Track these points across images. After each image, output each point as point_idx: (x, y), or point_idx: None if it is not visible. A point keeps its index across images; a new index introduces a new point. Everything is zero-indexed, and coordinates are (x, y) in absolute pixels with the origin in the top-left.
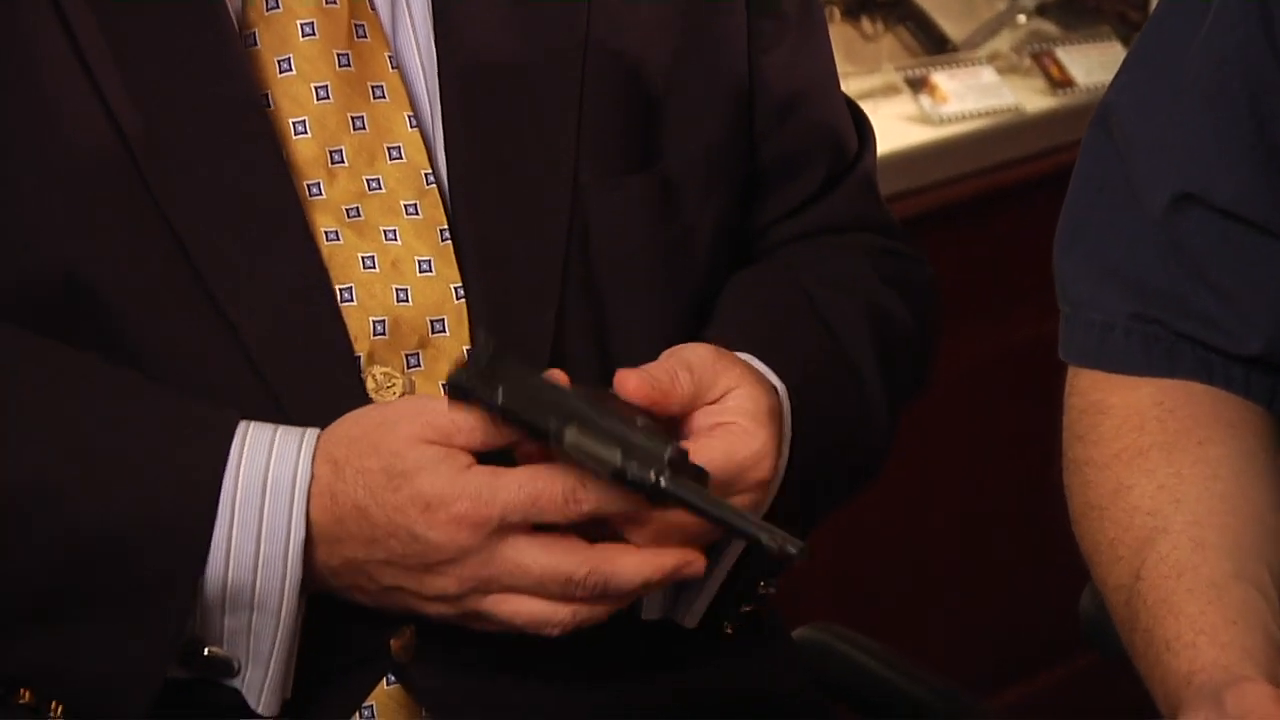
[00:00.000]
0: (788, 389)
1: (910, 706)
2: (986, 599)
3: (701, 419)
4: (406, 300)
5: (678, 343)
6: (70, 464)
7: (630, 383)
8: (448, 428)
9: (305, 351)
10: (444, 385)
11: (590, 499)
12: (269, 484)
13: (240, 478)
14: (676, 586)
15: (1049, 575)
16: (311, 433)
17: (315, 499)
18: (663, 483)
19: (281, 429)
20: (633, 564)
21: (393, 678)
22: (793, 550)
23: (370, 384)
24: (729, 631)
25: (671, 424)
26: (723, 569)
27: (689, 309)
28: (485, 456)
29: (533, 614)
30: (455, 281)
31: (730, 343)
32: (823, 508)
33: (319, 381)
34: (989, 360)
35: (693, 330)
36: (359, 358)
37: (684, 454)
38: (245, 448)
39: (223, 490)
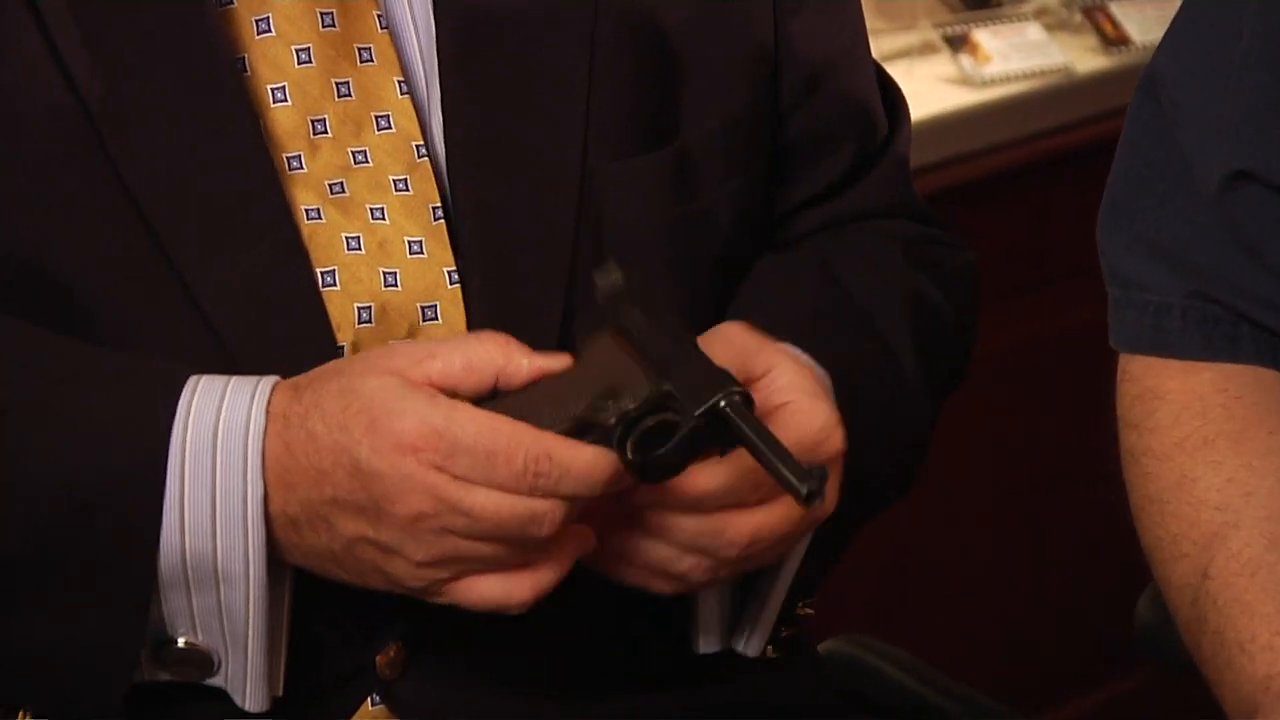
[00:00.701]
0: (830, 378)
1: None
2: (1032, 607)
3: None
4: (395, 285)
5: (697, 311)
6: (17, 425)
7: None
8: (425, 359)
9: (282, 341)
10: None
11: (552, 476)
12: (220, 434)
13: (189, 431)
14: (734, 614)
15: (1102, 580)
16: (269, 379)
17: (270, 432)
18: (723, 404)
19: (235, 378)
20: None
21: (377, 698)
22: (817, 499)
23: None
24: (771, 656)
25: None
26: (781, 589)
27: (707, 298)
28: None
29: (500, 593)
30: (449, 265)
31: (762, 330)
32: (865, 508)
33: (298, 373)
34: (1035, 345)
35: (711, 321)
36: (342, 348)
37: (746, 395)
38: (195, 399)
39: (171, 445)
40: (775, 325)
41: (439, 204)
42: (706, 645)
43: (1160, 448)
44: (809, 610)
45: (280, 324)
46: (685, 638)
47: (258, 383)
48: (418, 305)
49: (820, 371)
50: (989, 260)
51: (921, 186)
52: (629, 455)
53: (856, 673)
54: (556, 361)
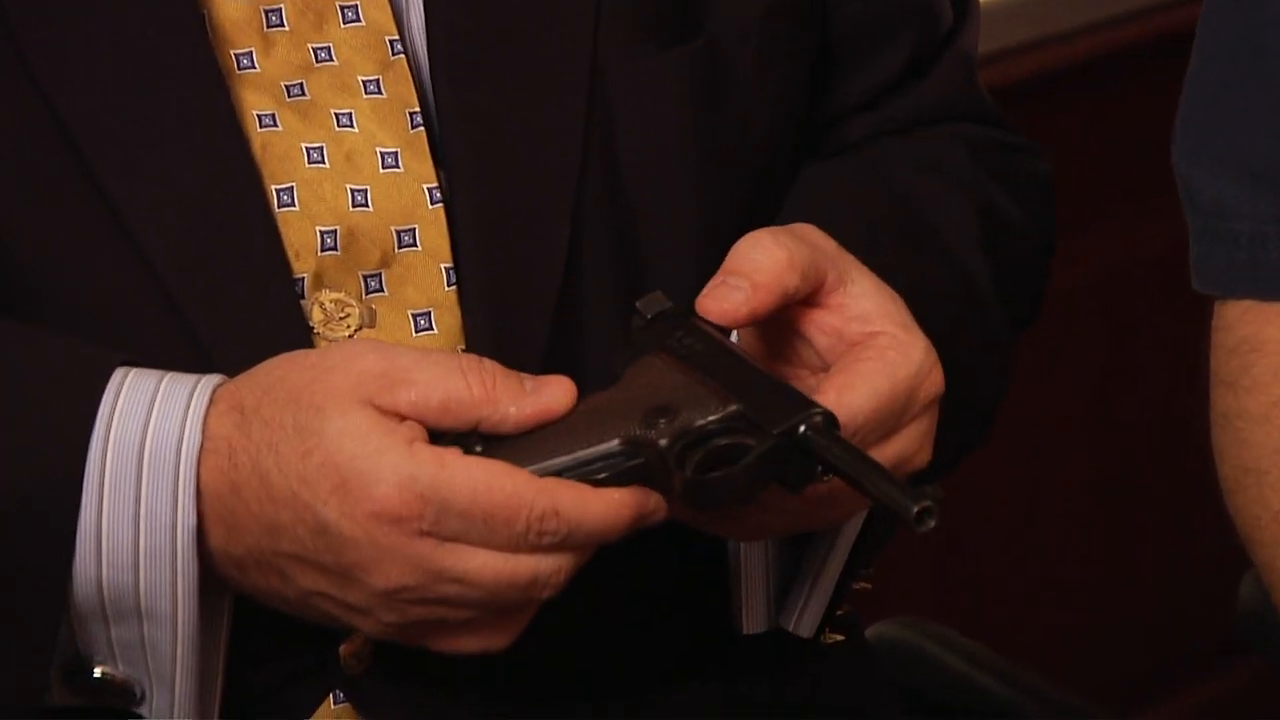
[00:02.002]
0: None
1: None
2: (1116, 589)
3: (836, 336)
4: (365, 205)
5: (721, 260)
6: None
7: (713, 304)
8: (398, 384)
9: (228, 271)
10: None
11: (560, 533)
12: (148, 447)
13: (111, 441)
14: (780, 588)
15: (1199, 560)
16: (208, 381)
17: (209, 462)
18: (803, 428)
19: (169, 376)
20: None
21: (341, 694)
22: (930, 519)
23: (317, 315)
24: (831, 640)
25: (792, 349)
26: (837, 562)
27: (739, 218)
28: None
29: (481, 645)
30: (429, 181)
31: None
32: (943, 459)
33: (247, 312)
34: (1118, 275)
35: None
36: (301, 280)
37: (830, 416)
38: (121, 399)
39: (89, 458)
40: (840, 234)
41: (417, 109)
42: (752, 624)
43: (1256, 408)
44: (866, 585)
45: (226, 253)
46: (718, 617)
47: (195, 386)
48: (392, 229)
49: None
50: (1057, 172)
51: None
52: (687, 473)
53: (909, 661)
54: (557, 399)
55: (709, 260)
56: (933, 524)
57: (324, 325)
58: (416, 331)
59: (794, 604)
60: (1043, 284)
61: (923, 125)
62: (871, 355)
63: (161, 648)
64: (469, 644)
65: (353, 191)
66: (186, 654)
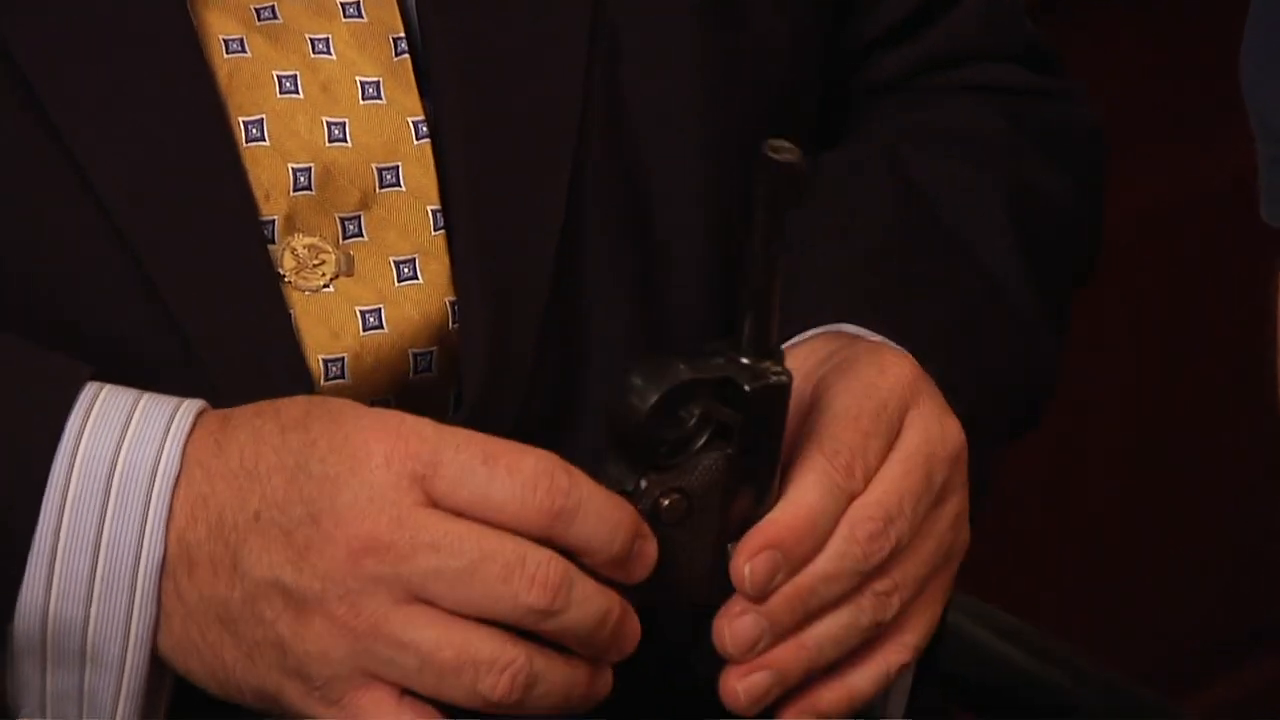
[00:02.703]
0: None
1: (1063, 709)
2: (1173, 563)
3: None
4: (343, 139)
5: (731, 197)
6: None
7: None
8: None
9: (187, 212)
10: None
11: (574, 494)
12: (119, 471)
13: (78, 461)
14: None
15: (1266, 533)
16: (190, 405)
17: (197, 434)
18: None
19: (147, 396)
20: (562, 673)
21: None
22: None
23: (288, 261)
24: None
25: None
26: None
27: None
28: None
29: (466, 645)
30: (414, 113)
31: (826, 308)
32: (983, 472)
33: (208, 257)
34: (1177, 211)
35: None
36: (270, 223)
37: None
38: (91, 420)
39: (51, 477)
40: (839, 272)
41: (401, 34)
42: None
43: None
44: None
45: (185, 191)
46: None
47: (178, 408)
48: (373, 167)
49: (892, 347)
50: (1111, 95)
51: None
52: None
53: (944, 642)
54: None
55: (718, 201)
56: (786, 145)
57: (295, 273)
58: (399, 280)
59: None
60: (1092, 249)
61: (955, 65)
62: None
63: (102, 700)
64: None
65: (329, 125)
66: (129, 711)
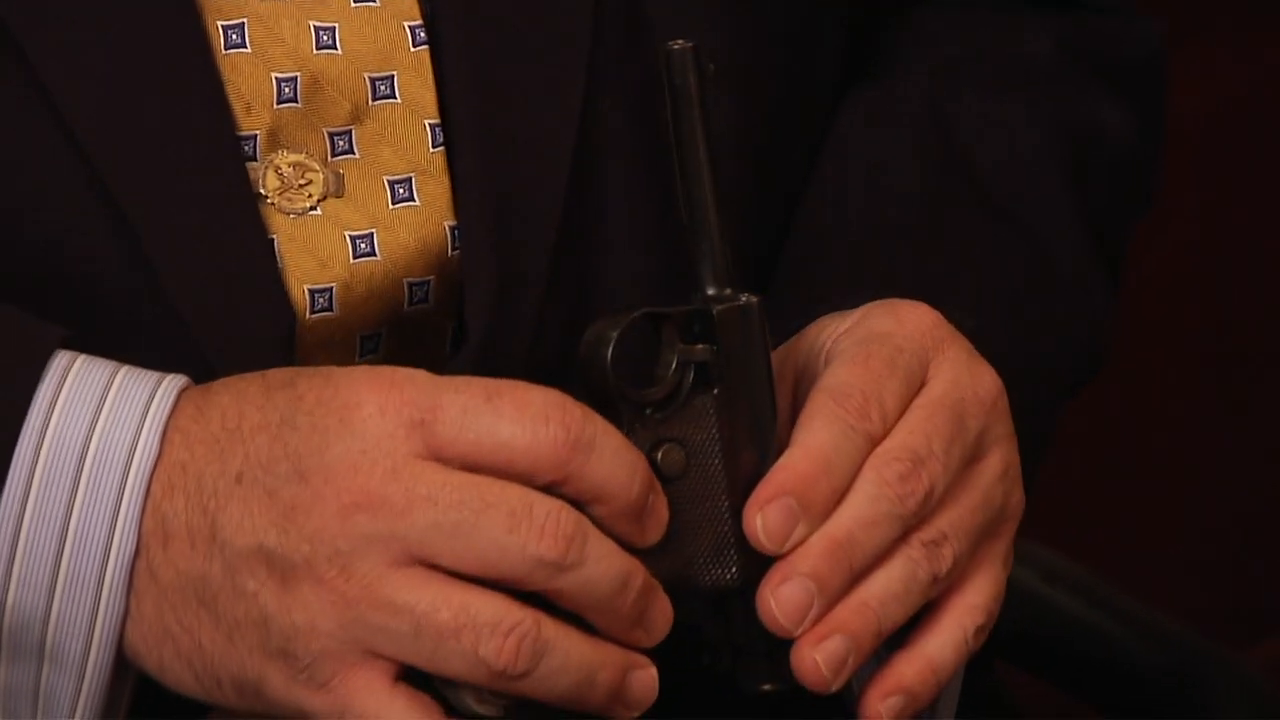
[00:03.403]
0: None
1: (1124, 663)
2: (1235, 510)
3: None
4: (332, 46)
5: (759, 111)
6: None
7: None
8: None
9: (159, 126)
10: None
11: (587, 431)
12: (91, 451)
13: (48, 439)
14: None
15: None
16: (173, 381)
17: (181, 411)
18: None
19: (125, 370)
20: (579, 647)
21: None
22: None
23: (271, 181)
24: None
25: None
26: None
27: (777, 71)
28: None
29: (466, 607)
30: (411, 17)
31: (855, 291)
32: (1042, 436)
33: (181, 176)
34: (1240, 103)
35: (778, 145)
36: (252, 138)
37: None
38: (65, 393)
39: (15, 456)
40: (867, 247)
41: None
42: None
43: None
44: None
45: (156, 103)
46: None
47: (158, 387)
48: (365, 77)
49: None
50: None
51: None
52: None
53: None
54: None
55: (746, 115)
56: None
57: (279, 194)
58: (394, 202)
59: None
60: (1154, 186)
61: None
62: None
63: (59, 700)
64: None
65: (317, 30)
66: (88, 714)
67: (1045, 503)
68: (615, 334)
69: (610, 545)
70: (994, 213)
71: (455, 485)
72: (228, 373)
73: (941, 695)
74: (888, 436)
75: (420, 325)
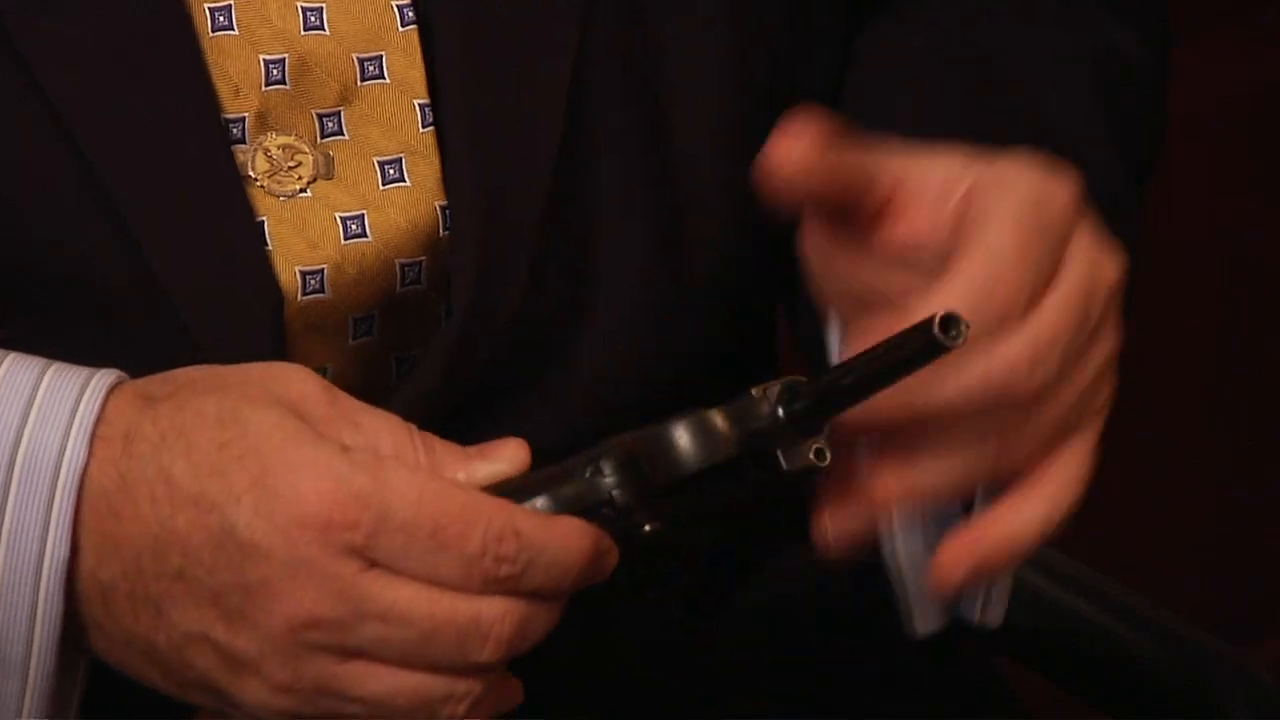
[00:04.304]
0: None
1: (1124, 660)
2: (1246, 505)
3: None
4: (320, 26)
5: (756, 91)
6: None
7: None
8: (343, 422)
9: (146, 109)
10: None
11: (519, 562)
12: (20, 457)
13: None
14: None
15: None
16: (103, 377)
17: (100, 457)
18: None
19: (54, 368)
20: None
21: None
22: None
23: (260, 164)
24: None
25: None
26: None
27: (776, 44)
28: None
29: (419, 690)
30: None
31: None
32: None
33: (169, 159)
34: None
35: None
36: (240, 121)
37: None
38: None
39: None
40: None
41: None
42: (924, 622)
43: None
44: None
45: (142, 86)
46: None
47: (88, 381)
48: (354, 57)
49: None
50: None
51: None
52: (791, 407)
53: None
54: (509, 460)
55: (741, 96)
56: (962, 331)
57: (268, 177)
58: (384, 183)
59: (972, 594)
60: (1164, 124)
61: None
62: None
63: (6, 701)
64: None
65: (305, 11)
66: (35, 713)
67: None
68: (694, 470)
69: (554, 614)
70: (1025, 118)
71: (404, 603)
72: (216, 358)
73: (991, 595)
74: (1015, 331)
75: (413, 306)
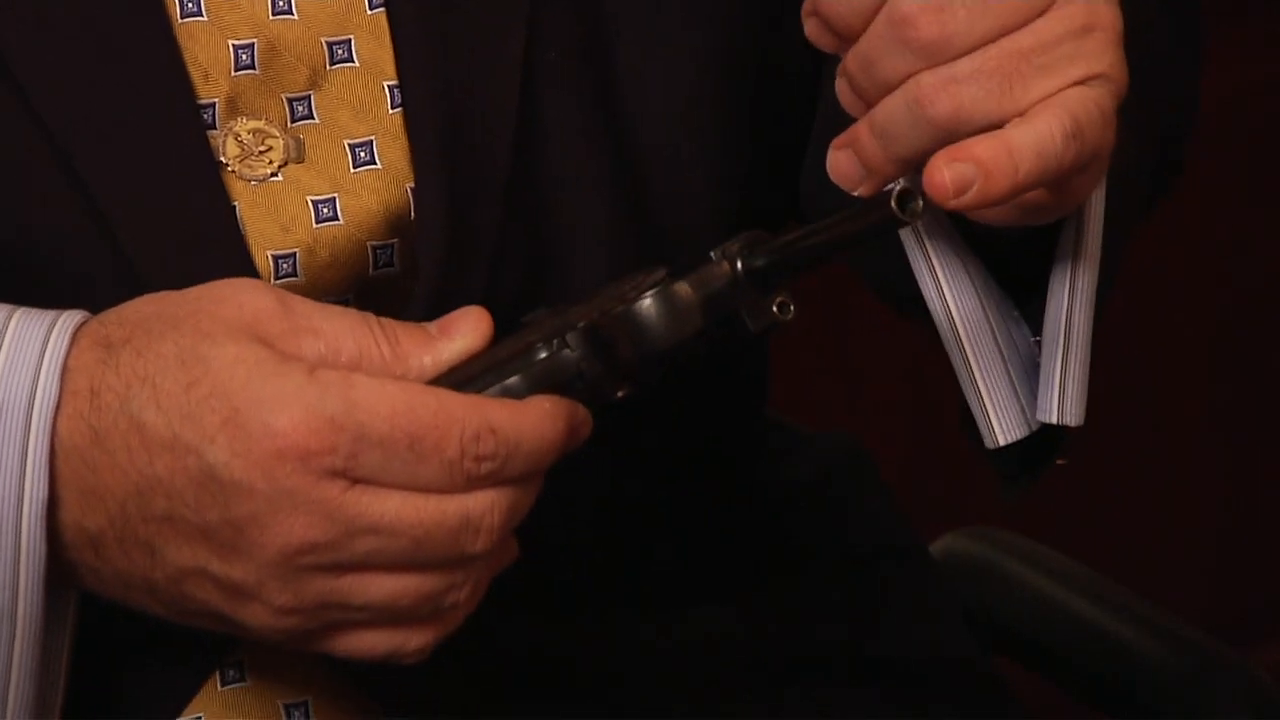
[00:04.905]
0: None
1: (1122, 662)
2: (1246, 508)
3: None
4: (289, 11)
5: (714, 46)
6: None
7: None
8: (302, 332)
9: (117, 96)
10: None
11: (499, 456)
12: None
13: None
14: (1027, 376)
15: None
16: (68, 318)
17: (66, 408)
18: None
19: (20, 312)
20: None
21: (233, 673)
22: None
23: (231, 148)
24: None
25: None
26: (1085, 297)
27: (740, 39)
28: None
29: (421, 588)
30: None
31: None
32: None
33: (140, 145)
34: (1233, 105)
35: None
36: (210, 106)
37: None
38: None
39: None
40: None
41: None
42: (1007, 431)
43: None
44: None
45: (113, 72)
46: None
47: (53, 325)
48: (322, 41)
49: None
50: None
51: None
52: (751, 263)
53: (982, 579)
54: (472, 334)
55: (698, 79)
56: (918, 208)
57: (239, 161)
58: (355, 166)
59: (1050, 384)
60: (1193, 105)
61: None
62: None
63: None
64: (377, 642)
65: None
66: (24, 668)
67: (1046, 503)
68: (666, 348)
69: (536, 490)
70: None
71: (393, 514)
72: None
73: (1068, 393)
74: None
75: (387, 289)
